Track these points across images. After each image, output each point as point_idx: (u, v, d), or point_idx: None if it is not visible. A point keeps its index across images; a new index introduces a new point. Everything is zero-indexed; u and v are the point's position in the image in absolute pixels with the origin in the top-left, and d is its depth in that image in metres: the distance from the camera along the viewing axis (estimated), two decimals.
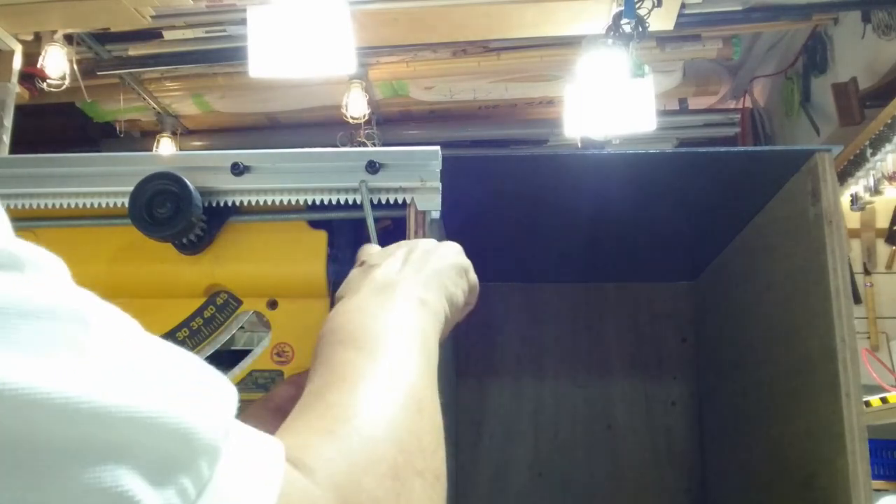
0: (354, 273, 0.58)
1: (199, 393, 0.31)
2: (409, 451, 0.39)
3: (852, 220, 2.81)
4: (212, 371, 0.33)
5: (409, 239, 0.71)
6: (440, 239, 0.64)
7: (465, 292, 0.61)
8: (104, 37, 2.96)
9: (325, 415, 0.40)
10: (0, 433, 0.24)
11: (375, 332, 0.47)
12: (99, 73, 3.08)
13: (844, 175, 2.51)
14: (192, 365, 0.33)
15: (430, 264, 0.57)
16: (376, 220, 0.71)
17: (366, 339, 0.47)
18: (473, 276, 0.62)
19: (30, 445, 0.25)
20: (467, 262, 0.62)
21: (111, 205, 0.73)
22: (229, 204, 0.73)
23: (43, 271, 0.28)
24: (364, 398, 0.41)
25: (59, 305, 0.27)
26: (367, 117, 3.18)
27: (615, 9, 2.47)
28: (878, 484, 2.08)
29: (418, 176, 0.71)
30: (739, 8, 2.83)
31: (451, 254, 0.60)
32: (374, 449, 0.38)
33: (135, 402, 0.27)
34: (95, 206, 0.73)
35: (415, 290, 0.53)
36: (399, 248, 0.60)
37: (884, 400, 1.84)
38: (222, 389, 0.33)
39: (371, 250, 0.61)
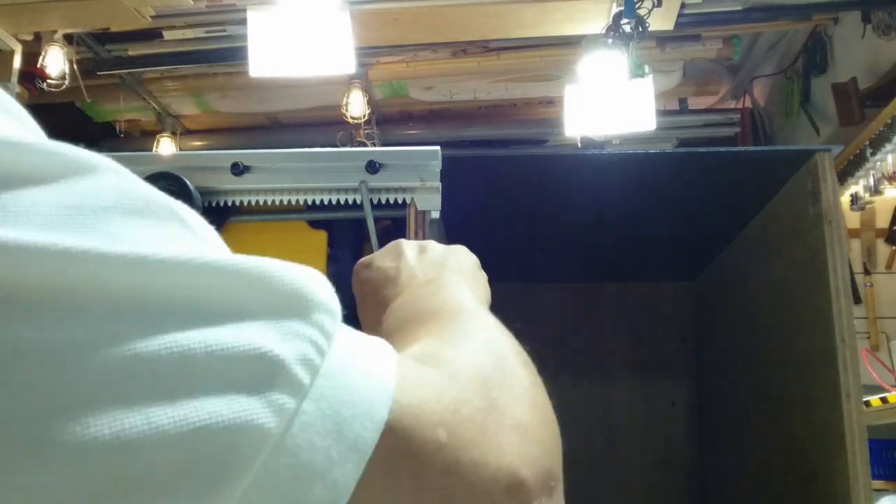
0: (375, 279, 0.57)
1: (302, 269, 0.30)
2: (505, 356, 0.40)
3: (852, 220, 2.81)
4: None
5: (408, 239, 0.71)
6: (440, 239, 0.64)
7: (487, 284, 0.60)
8: (104, 37, 2.96)
9: (418, 340, 0.40)
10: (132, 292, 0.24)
11: (440, 304, 0.47)
12: (99, 73, 3.08)
13: (844, 175, 2.51)
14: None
15: (453, 261, 0.56)
16: (376, 220, 0.71)
17: (434, 309, 0.47)
18: (484, 274, 0.62)
19: (154, 302, 0.24)
20: (477, 259, 0.61)
21: None
22: (229, 204, 0.73)
23: (120, 171, 0.27)
24: (452, 330, 0.42)
25: (154, 203, 0.27)
26: (367, 117, 3.18)
27: (615, 9, 2.46)
28: (878, 484, 2.07)
29: (418, 176, 0.71)
30: (739, 8, 2.82)
31: (466, 253, 0.60)
32: (475, 351, 0.38)
33: (245, 263, 0.27)
34: None
35: (460, 281, 0.53)
36: (407, 249, 0.58)
37: (884, 400, 1.83)
38: (318, 274, 0.32)
39: (373, 258, 0.59)
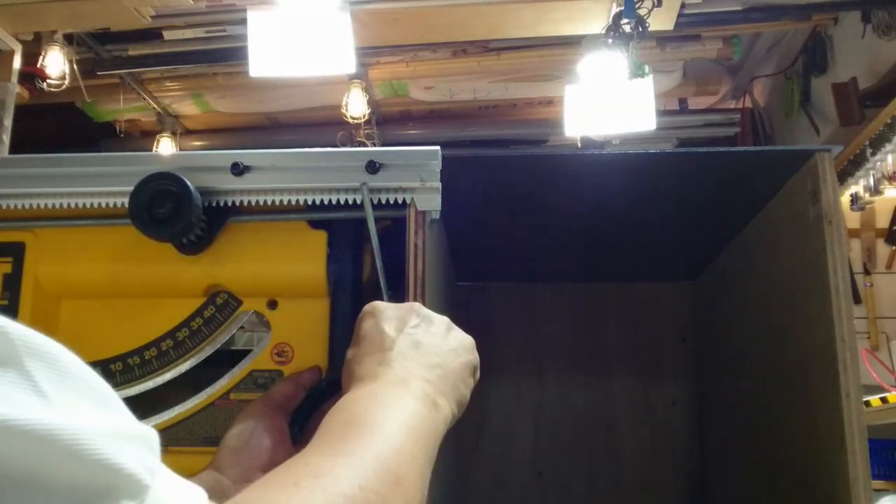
0: (369, 340, 0.58)
1: (124, 434, 0.32)
2: None
3: (852, 220, 2.81)
4: (133, 418, 0.34)
5: (409, 240, 0.71)
6: (440, 239, 0.64)
7: (471, 390, 0.60)
8: (104, 37, 2.95)
9: (300, 471, 0.41)
10: None
11: (380, 419, 0.48)
12: (99, 73, 3.08)
13: (844, 175, 2.51)
14: (118, 409, 0.33)
15: (446, 361, 0.57)
16: (376, 220, 0.71)
17: (368, 421, 0.48)
18: (478, 374, 0.62)
19: None
20: (477, 360, 0.61)
21: (111, 205, 0.73)
22: (229, 204, 0.73)
23: None
24: (342, 463, 0.42)
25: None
26: (367, 117, 3.18)
27: (615, 9, 2.46)
28: (878, 484, 2.07)
29: (418, 176, 0.71)
30: (739, 8, 2.82)
31: (467, 351, 0.60)
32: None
33: (60, 429, 0.28)
34: (95, 206, 0.73)
35: (429, 391, 0.54)
36: (414, 321, 0.59)
37: (884, 400, 1.84)
38: (146, 434, 0.34)
39: (383, 312, 0.60)
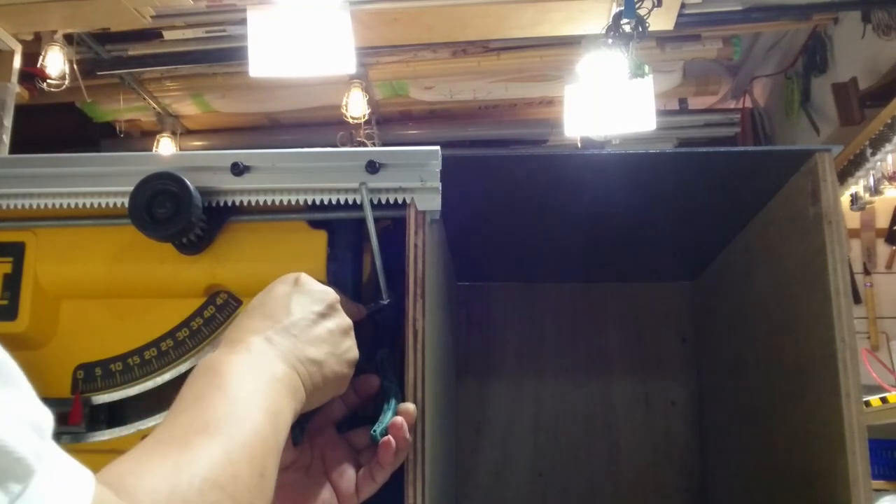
0: (262, 299, 0.61)
1: (18, 415, 0.32)
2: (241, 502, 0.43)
3: (852, 220, 2.81)
4: (29, 396, 0.35)
5: (409, 240, 0.71)
6: (440, 239, 0.64)
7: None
8: (104, 37, 2.95)
9: (182, 449, 0.43)
10: None
11: (251, 405, 0.50)
12: (99, 73, 3.08)
13: (844, 175, 2.51)
14: (11, 388, 0.34)
15: (325, 362, 0.59)
16: (376, 220, 0.71)
17: (241, 399, 0.50)
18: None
19: None
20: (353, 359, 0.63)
21: (111, 205, 0.73)
22: (229, 204, 0.73)
23: None
24: (219, 451, 0.44)
25: None
26: (367, 117, 3.18)
27: (615, 9, 2.46)
28: (878, 484, 2.07)
29: (418, 176, 0.71)
30: (739, 8, 2.82)
31: (346, 349, 0.62)
32: (206, 490, 0.41)
33: None
34: (95, 206, 0.73)
35: (298, 384, 0.56)
36: (307, 309, 0.61)
37: (884, 400, 1.84)
38: (40, 417, 0.34)
39: (298, 282, 0.62)
